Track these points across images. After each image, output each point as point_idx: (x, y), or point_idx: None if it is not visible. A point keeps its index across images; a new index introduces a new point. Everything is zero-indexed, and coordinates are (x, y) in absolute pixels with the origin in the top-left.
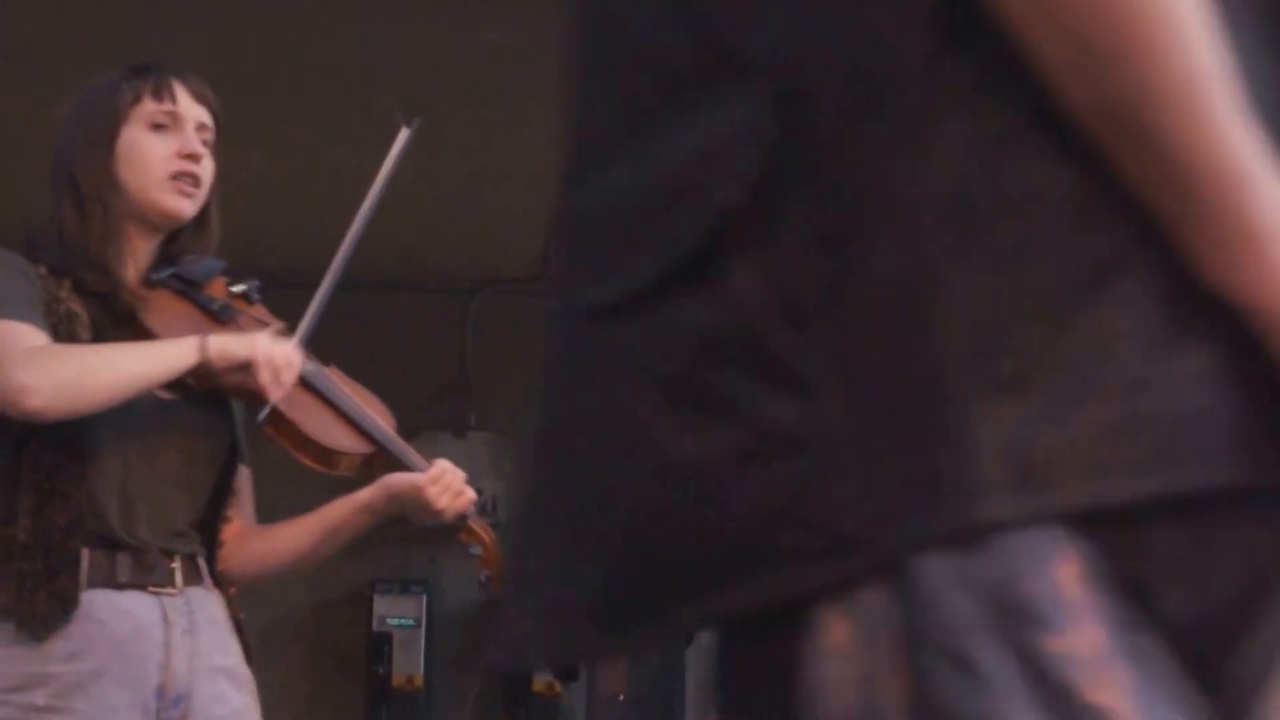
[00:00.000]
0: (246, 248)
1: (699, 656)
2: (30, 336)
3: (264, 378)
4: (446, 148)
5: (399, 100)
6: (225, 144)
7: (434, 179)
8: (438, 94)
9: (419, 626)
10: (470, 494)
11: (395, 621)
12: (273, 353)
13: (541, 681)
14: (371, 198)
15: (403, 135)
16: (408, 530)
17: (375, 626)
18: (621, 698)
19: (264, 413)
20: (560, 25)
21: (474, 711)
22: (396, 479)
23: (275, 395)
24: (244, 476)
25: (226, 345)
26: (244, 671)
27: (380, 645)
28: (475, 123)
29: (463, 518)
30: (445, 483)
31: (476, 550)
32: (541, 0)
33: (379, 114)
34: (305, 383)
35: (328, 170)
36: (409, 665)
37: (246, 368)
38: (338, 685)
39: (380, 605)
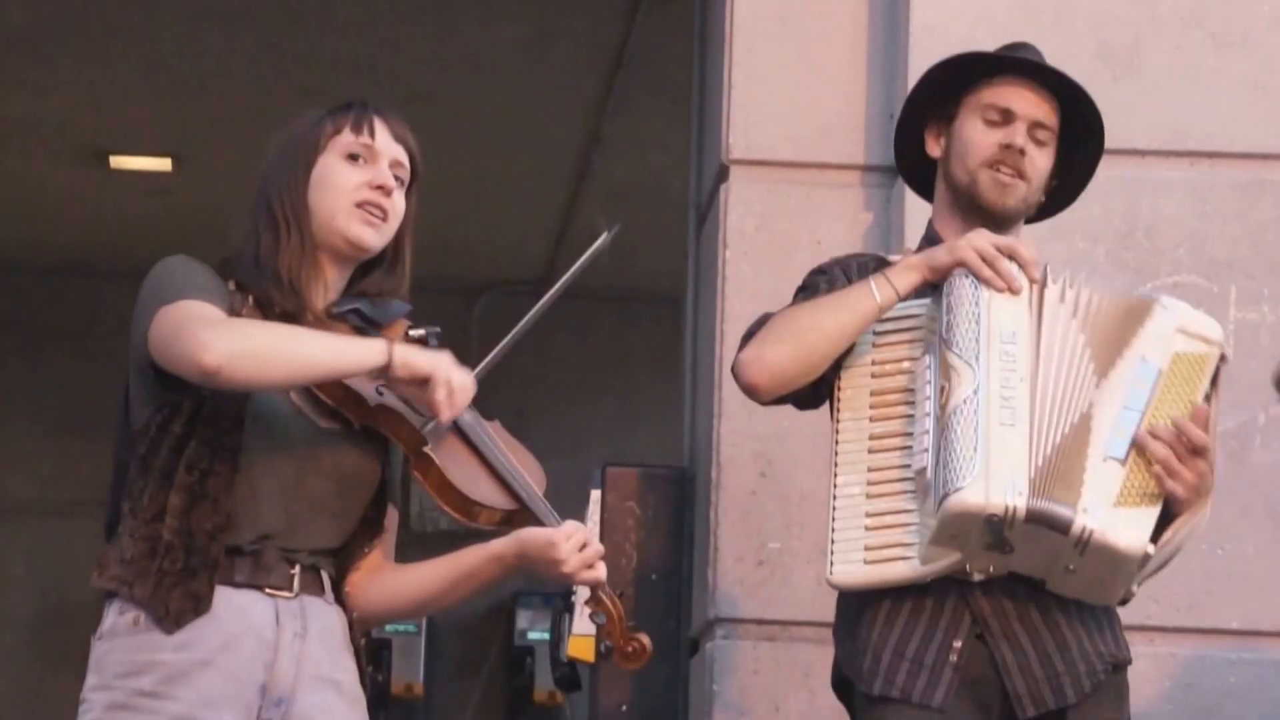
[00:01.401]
0: None
1: (702, 668)
2: (214, 310)
3: (439, 394)
4: (453, 148)
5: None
6: None
7: (441, 180)
8: (445, 92)
9: (419, 633)
10: (600, 572)
11: (395, 628)
12: (452, 373)
13: (543, 691)
14: (559, 287)
15: (601, 239)
16: (407, 534)
17: (375, 633)
18: (625, 708)
19: (429, 428)
20: (568, 25)
21: None
22: (530, 533)
23: (445, 416)
24: (392, 516)
25: (410, 355)
26: (356, 690)
27: (380, 652)
28: (484, 123)
29: (596, 588)
30: (576, 542)
31: (601, 620)
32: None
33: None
34: (459, 430)
35: None
36: (408, 672)
37: (424, 382)
38: None
39: None
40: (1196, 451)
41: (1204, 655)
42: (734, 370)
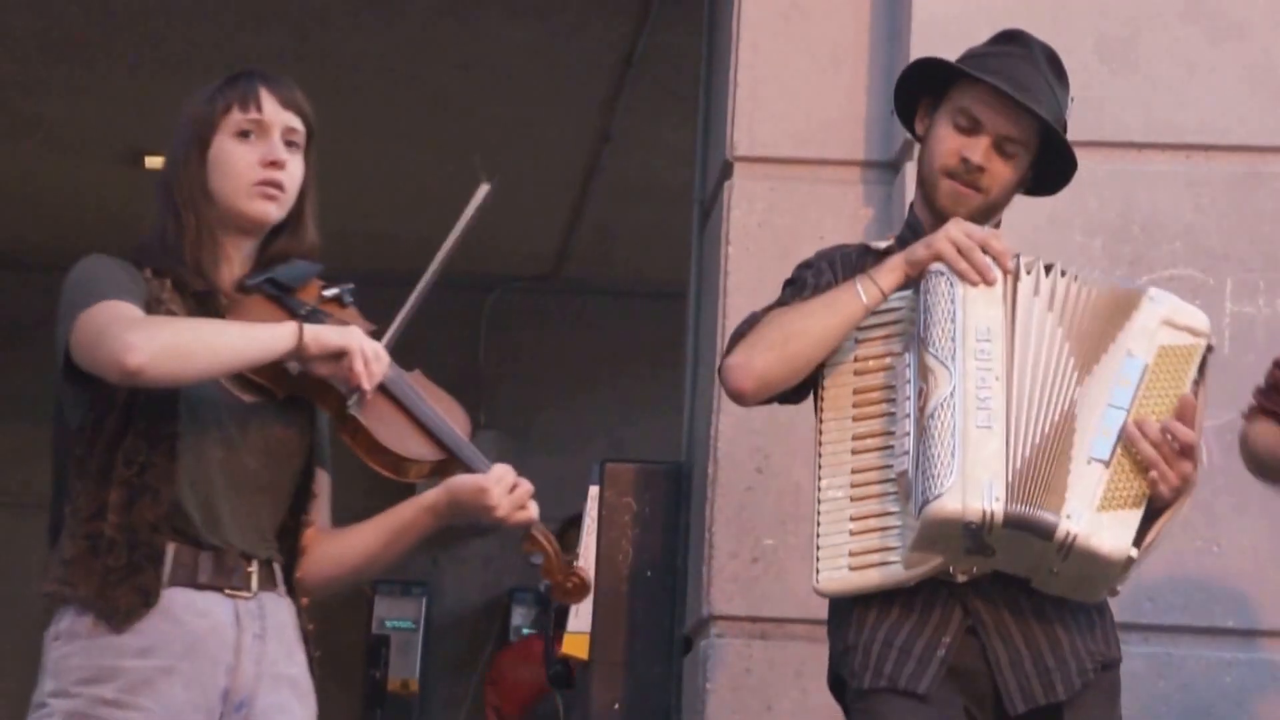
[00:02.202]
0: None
1: (696, 665)
2: (133, 310)
3: (357, 364)
4: (464, 145)
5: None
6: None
7: (450, 176)
8: (456, 91)
9: (417, 629)
10: (531, 511)
11: (393, 624)
12: (364, 343)
13: None
14: (446, 248)
15: (481, 191)
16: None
17: (374, 629)
18: (617, 705)
19: (353, 399)
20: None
21: (468, 717)
22: (459, 479)
23: (367, 384)
24: (322, 480)
25: (321, 333)
26: (307, 682)
27: (378, 648)
28: (493, 121)
29: (527, 527)
30: (506, 484)
31: (538, 560)
32: (561, 1)
33: (397, 109)
34: (383, 389)
35: (347, 164)
36: (405, 669)
37: (339, 356)
38: (331, 689)
39: (380, 607)
40: (1183, 452)
41: (1200, 654)
42: (721, 374)
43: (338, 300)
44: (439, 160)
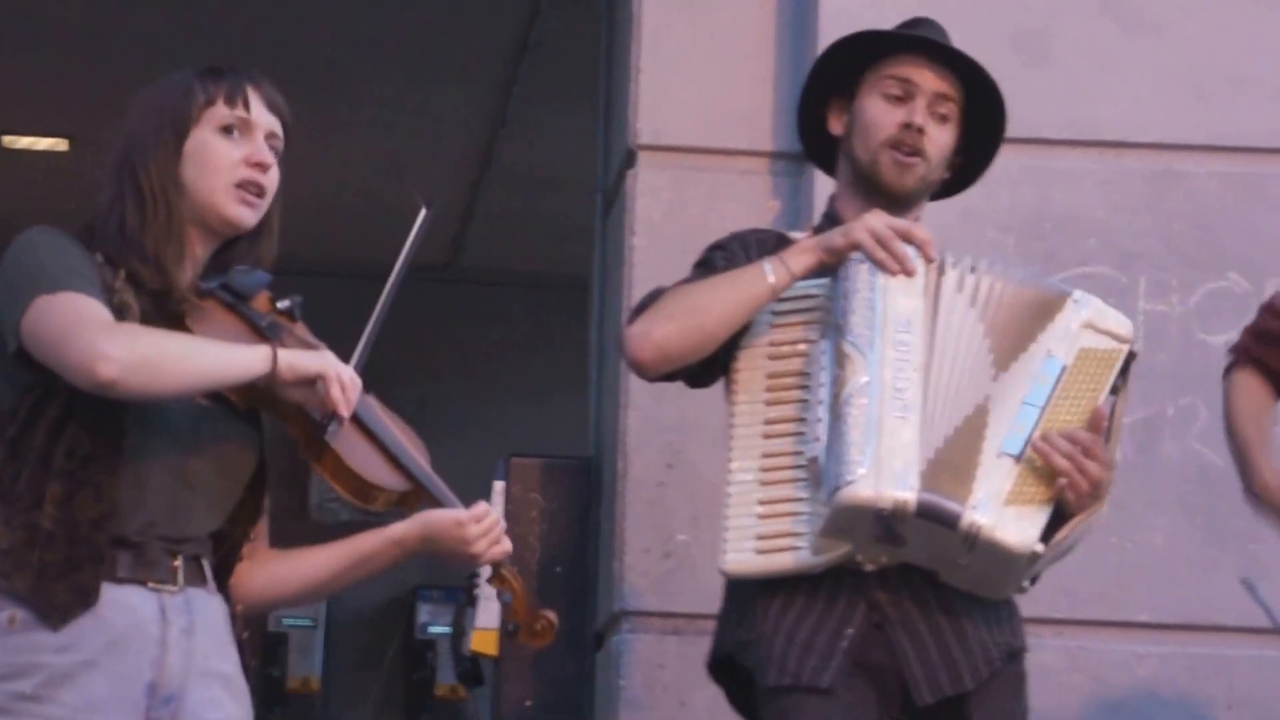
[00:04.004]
0: None
1: (608, 662)
2: (101, 310)
3: (334, 392)
4: (359, 130)
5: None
6: None
7: (345, 163)
8: (348, 72)
9: (316, 627)
10: (506, 545)
11: (291, 621)
12: (340, 369)
13: (445, 685)
14: (396, 274)
15: (421, 216)
16: (308, 525)
17: (271, 626)
18: (528, 703)
19: (332, 427)
20: (473, 8)
21: (374, 716)
22: (435, 515)
23: (345, 411)
24: (267, 501)
25: (296, 359)
26: (241, 682)
27: (276, 646)
28: (386, 103)
29: (497, 564)
30: (485, 525)
31: (507, 598)
32: None
33: (288, 89)
34: (352, 413)
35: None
36: (305, 667)
37: (313, 383)
38: None
39: None
40: (1092, 456)
41: (1113, 648)
42: (621, 344)
43: (288, 314)
44: (331, 144)
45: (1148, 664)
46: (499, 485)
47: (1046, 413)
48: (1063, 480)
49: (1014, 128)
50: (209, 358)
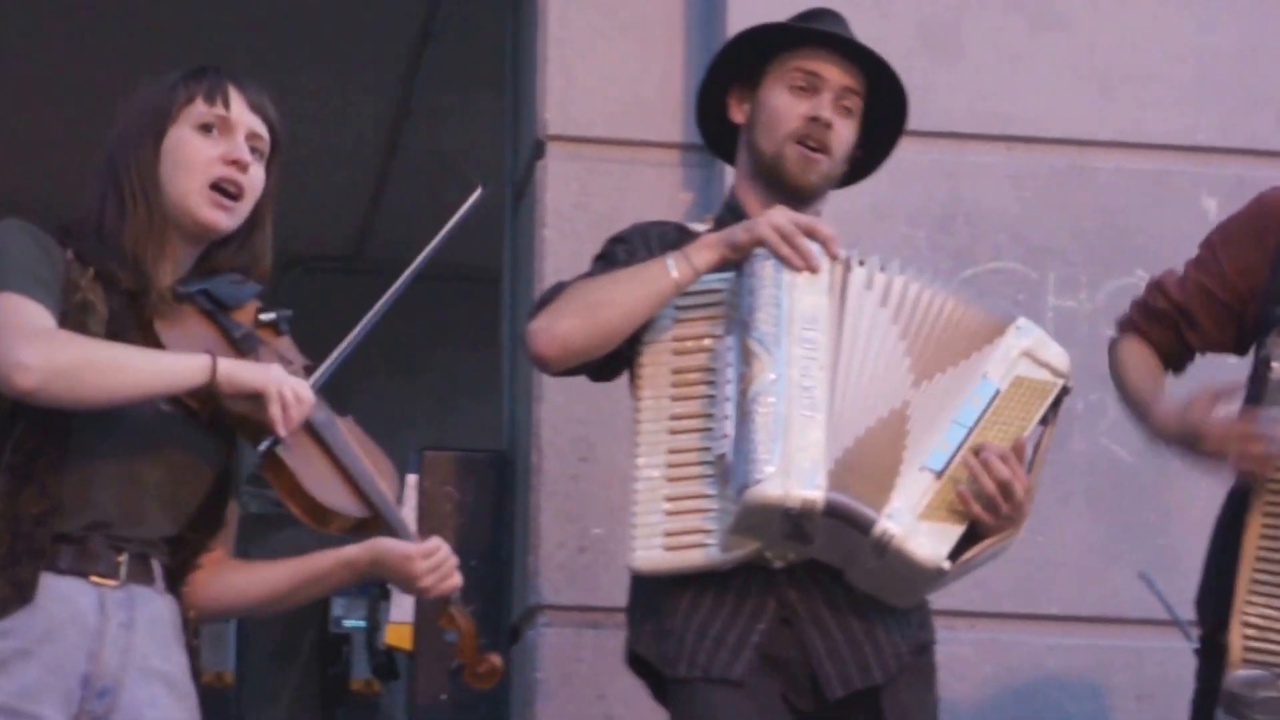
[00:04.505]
0: (52, 206)
1: (524, 655)
2: (35, 314)
3: (273, 410)
4: None
5: None
6: (29, 103)
7: None
8: (246, 58)
9: (228, 621)
10: (456, 579)
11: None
12: (284, 386)
13: (360, 679)
14: (427, 254)
15: (475, 196)
16: None
17: None
18: (444, 697)
19: (265, 445)
20: None
21: (289, 710)
22: (386, 545)
23: (282, 431)
24: (232, 510)
25: (236, 371)
26: (186, 683)
27: None
28: (287, 91)
29: (445, 601)
30: (435, 560)
31: (452, 637)
32: None
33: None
34: (313, 431)
35: None
36: (219, 661)
37: (255, 398)
38: None
39: None
40: (1009, 494)
41: (1025, 640)
42: (524, 340)
43: (273, 326)
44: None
45: (1058, 655)
46: (412, 479)
47: (974, 434)
48: (980, 504)
49: (924, 121)
50: (141, 367)
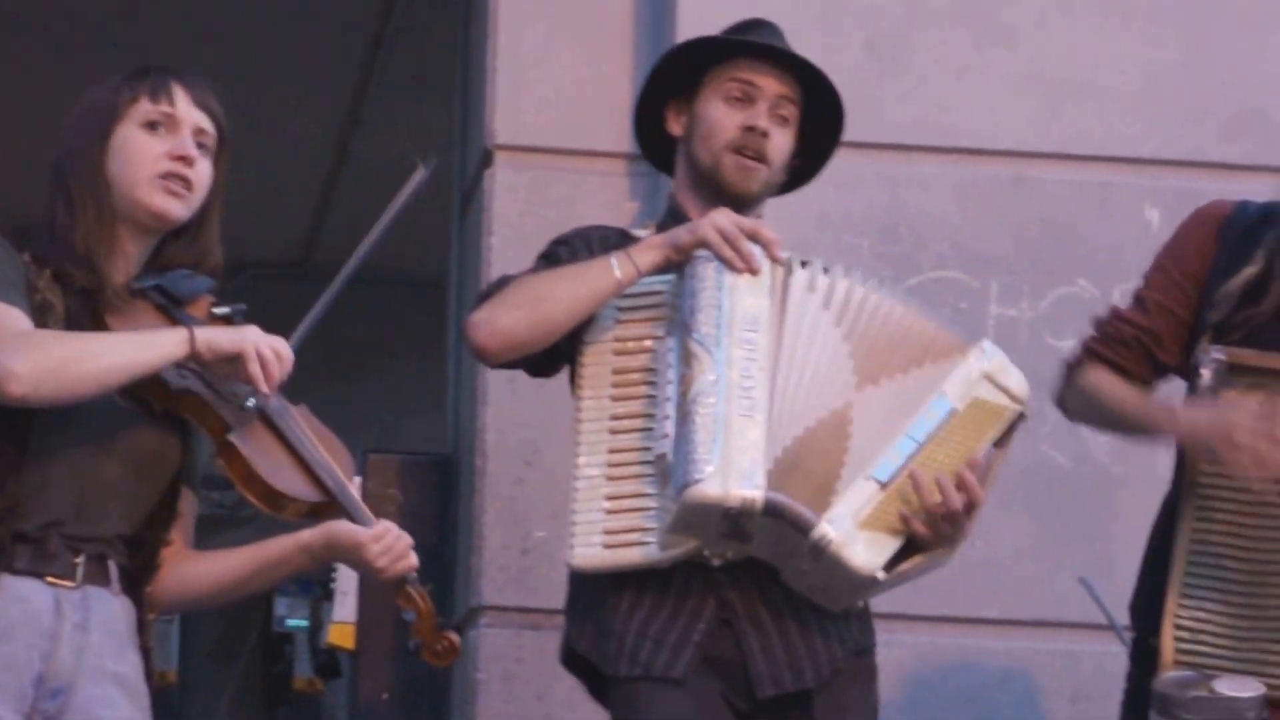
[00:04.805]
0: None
1: (465, 655)
2: (17, 319)
3: (253, 369)
4: None
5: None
6: None
7: None
8: (199, 68)
9: (172, 620)
10: (412, 560)
11: None
12: (261, 344)
13: (302, 678)
14: (377, 231)
15: (418, 175)
16: None
17: None
18: (385, 696)
19: (250, 403)
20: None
21: (231, 709)
22: (340, 528)
23: (265, 387)
24: (188, 501)
25: (214, 337)
26: (140, 685)
27: None
28: (238, 101)
29: (401, 581)
30: (387, 543)
31: (410, 616)
32: None
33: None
34: (266, 418)
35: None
36: (161, 660)
37: (234, 360)
38: None
39: None
40: (949, 516)
41: (963, 644)
42: (465, 330)
43: (227, 320)
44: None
45: (996, 659)
46: (356, 481)
47: (924, 449)
48: (922, 521)
49: (869, 133)
50: (123, 350)
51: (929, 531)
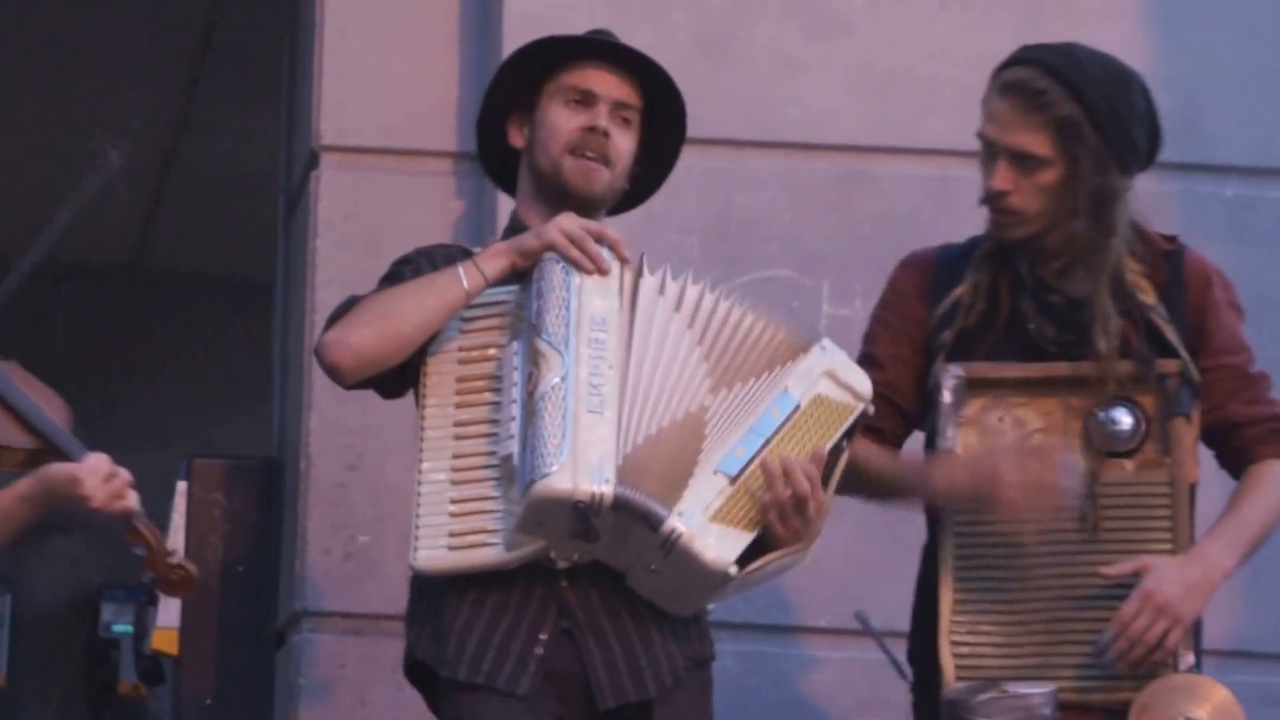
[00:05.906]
0: None
1: (288, 660)
2: None
3: None
4: (37, 132)
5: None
6: None
7: (20, 164)
8: (29, 73)
9: (1, 626)
10: (131, 500)
11: None
12: None
13: (127, 684)
14: (67, 215)
15: (108, 161)
16: None
17: None
18: (209, 700)
19: None
20: (155, 6)
21: (58, 713)
22: (52, 468)
23: None
24: None
25: None
26: None
27: None
28: (67, 104)
29: (128, 518)
30: (101, 473)
31: (141, 551)
32: None
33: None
34: None
35: None
36: None
37: None
38: None
39: None
40: (798, 504)
41: (791, 653)
42: (317, 351)
43: None
44: (5, 146)
45: (827, 669)
46: (182, 486)
47: (771, 444)
48: (773, 511)
49: (698, 129)
50: None
51: (781, 526)
